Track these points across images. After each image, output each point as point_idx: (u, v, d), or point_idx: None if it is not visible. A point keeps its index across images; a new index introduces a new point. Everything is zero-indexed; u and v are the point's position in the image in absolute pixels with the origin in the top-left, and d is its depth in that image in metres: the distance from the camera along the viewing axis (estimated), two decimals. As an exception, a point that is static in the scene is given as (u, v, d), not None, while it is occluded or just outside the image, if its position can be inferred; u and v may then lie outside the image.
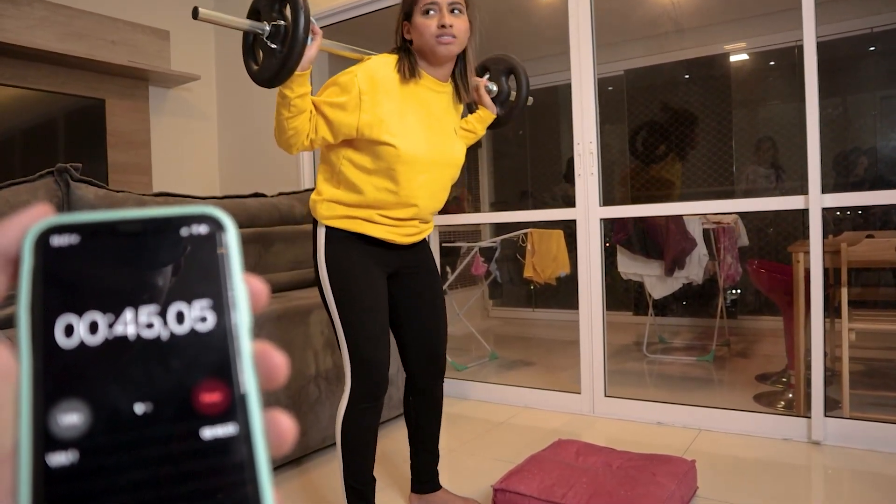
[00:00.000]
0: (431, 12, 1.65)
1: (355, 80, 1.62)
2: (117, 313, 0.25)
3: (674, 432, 2.73)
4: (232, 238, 0.27)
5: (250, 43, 1.60)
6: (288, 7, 1.50)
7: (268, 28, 1.51)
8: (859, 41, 4.53)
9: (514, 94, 2.17)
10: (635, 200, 5.24)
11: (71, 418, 0.23)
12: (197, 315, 0.26)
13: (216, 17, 1.46)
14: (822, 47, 2.49)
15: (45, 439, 0.23)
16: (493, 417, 3.04)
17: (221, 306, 0.26)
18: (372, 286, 1.73)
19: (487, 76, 2.14)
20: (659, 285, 3.95)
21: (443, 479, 2.06)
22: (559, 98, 5.57)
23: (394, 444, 2.62)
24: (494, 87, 2.11)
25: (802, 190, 2.53)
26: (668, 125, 5.15)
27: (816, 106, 2.49)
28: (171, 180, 4.25)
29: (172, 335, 0.25)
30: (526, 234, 3.83)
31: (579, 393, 3.05)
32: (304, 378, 2.44)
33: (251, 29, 1.53)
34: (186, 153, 4.39)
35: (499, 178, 6.30)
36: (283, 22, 1.51)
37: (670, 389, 3.48)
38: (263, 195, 3.06)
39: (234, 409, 0.25)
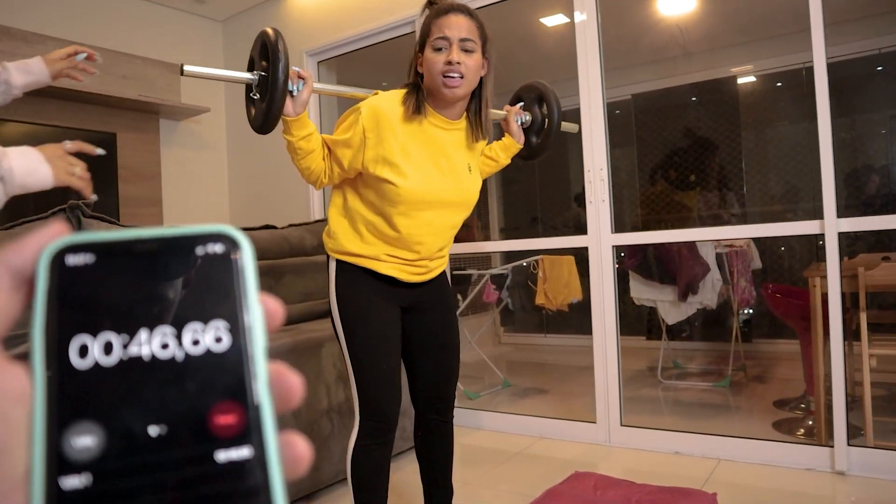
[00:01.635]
0: (442, 49, 1.61)
1: (359, 117, 1.61)
2: (132, 334, 0.25)
3: (692, 462, 2.67)
4: (247, 257, 0.27)
5: (248, 92, 1.62)
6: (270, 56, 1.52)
7: (255, 77, 1.53)
8: (867, 62, 4.52)
9: (547, 122, 2.08)
10: (646, 225, 5.21)
11: (85, 441, 0.23)
12: (212, 335, 0.25)
13: (202, 71, 1.48)
14: (830, 68, 2.48)
15: (59, 462, 0.23)
16: (507, 448, 3.00)
17: (237, 327, 0.26)
18: (383, 321, 1.70)
19: (521, 105, 2.07)
20: (673, 311, 3.91)
21: (458, 516, 2.02)
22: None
23: (407, 476, 2.58)
24: (528, 118, 2.04)
25: (816, 213, 2.50)
26: (698, 154, 5.12)
27: (829, 129, 2.47)
28: (182, 212, 4.27)
29: (187, 356, 0.25)
30: (537, 261, 3.81)
31: (595, 422, 3.00)
32: (316, 412, 2.41)
33: (239, 80, 1.55)
34: (197, 185, 4.41)
35: (508, 204, 6.30)
36: (265, 73, 1.52)
37: (687, 417, 3.42)
38: (274, 227, 3.06)
39: (249, 431, 0.25)
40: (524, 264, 4.02)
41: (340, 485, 2.52)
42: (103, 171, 3.93)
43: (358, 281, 1.70)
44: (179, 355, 0.25)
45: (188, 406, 0.24)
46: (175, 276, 0.26)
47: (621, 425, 2.94)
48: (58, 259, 0.25)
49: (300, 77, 1.57)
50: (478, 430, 3.30)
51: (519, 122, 2.02)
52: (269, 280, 2.80)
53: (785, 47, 4.56)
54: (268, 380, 0.26)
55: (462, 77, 1.60)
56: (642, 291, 3.96)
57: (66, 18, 3.72)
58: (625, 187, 5.48)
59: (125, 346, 0.24)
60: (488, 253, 5.19)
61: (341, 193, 1.73)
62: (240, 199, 4.51)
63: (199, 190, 4.42)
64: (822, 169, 2.48)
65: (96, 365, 0.24)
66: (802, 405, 3.22)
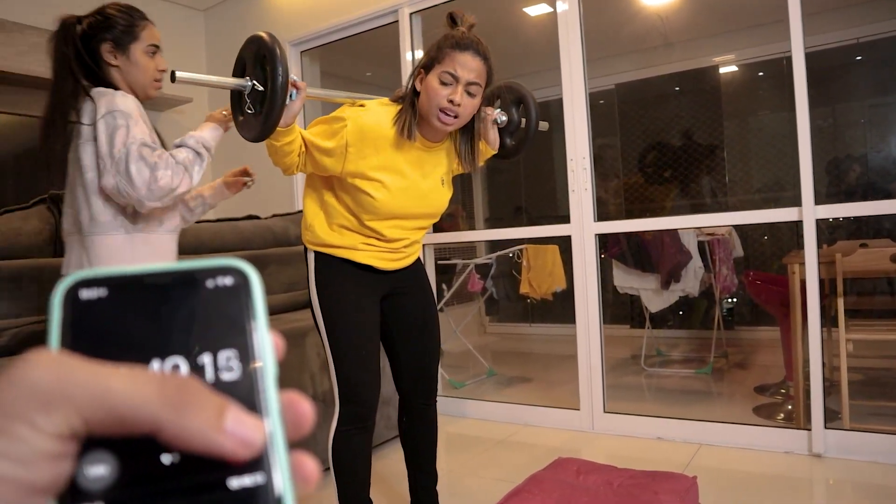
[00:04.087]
0: (447, 84, 1.59)
1: (344, 130, 1.60)
2: (145, 364, 0.25)
3: (674, 447, 2.71)
4: (256, 289, 0.27)
5: (236, 97, 1.56)
6: (268, 66, 1.46)
7: (248, 85, 1.48)
8: (846, 51, 4.57)
9: (524, 123, 2.04)
10: (629, 214, 5.25)
11: (97, 470, 0.23)
12: (223, 365, 0.26)
13: (195, 77, 1.44)
14: (810, 58, 2.51)
15: (72, 491, 0.23)
16: (492, 436, 3.02)
17: (247, 356, 0.26)
18: (361, 308, 1.73)
19: (498, 104, 2.03)
20: (655, 299, 3.95)
21: (442, 501, 2.03)
22: (551, 113, 5.59)
23: (392, 465, 2.59)
24: (504, 118, 2.01)
25: (796, 201, 2.53)
26: (681, 152, 5.16)
27: (807, 118, 2.50)
28: (165, 203, 4.24)
29: None
30: (521, 250, 3.82)
31: (578, 409, 3.03)
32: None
33: (233, 87, 1.51)
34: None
35: (493, 194, 6.31)
36: (261, 87, 1.47)
37: (669, 403, 3.46)
38: (257, 217, 3.05)
39: (261, 458, 0.25)
40: (509, 254, 4.04)
41: (326, 473, 2.53)
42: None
43: (336, 271, 1.72)
44: None
45: None
46: (186, 309, 0.26)
47: (604, 412, 2.97)
48: (71, 293, 0.25)
49: (295, 86, 1.52)
50: (462, 418, 3.32)
51: (496, 123, 1.97)
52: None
53: (766, 37, 4.59)
54: (279, 407, 0.26)
55: (457, 118, 1.61)
56: (625, 280, 4.00)
57: (44, 6, 3.67)
58: (609, 178, 5.50)
59: None
60: (473, 242, 5.20)
61: (317, 189, 1.75)
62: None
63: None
64: (801, 157, 2.51)
65: None
66: (782, 390, 3.27)
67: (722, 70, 5.21)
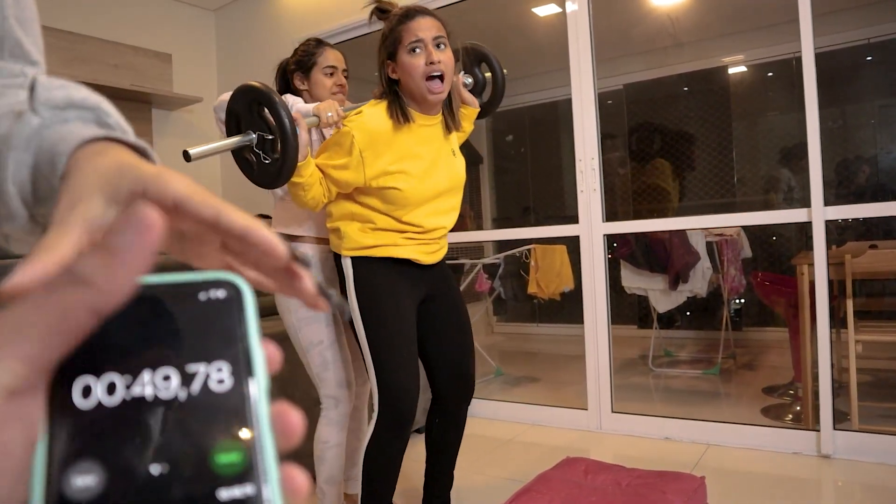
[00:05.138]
0: (417, 50, 1.64)
1: (353, 140, 1.64)
2: (135, 375, 0.25)
3: (682, 447, 2.71)
4: (249, 301, 0.28)
5: (242, 156, 1.61)
6: (267, 111, 1.50)
7: (254, 137, 1.53)
8: (857, 51, 4.55)
9: (490, 80, 2.11)
10: (637, 214, 5.25)
11: (86, 480, 0.23)
12: (215, 377, 0.26)
13: (207, 149, 1.47)
14: (820, 58, 2.51)
15: (59, 502, 0.23)
16: (500, 435, 3.03)
17: (239, 368, 0.26)
18: (401, 315, 1.73)
19: (460, 67, 2.06)
20: (663, 299, 3.94)
21: (451, 499, 2.04)
22: (559, 113, 5.60)
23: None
24: (470, 80, 2.06)
25: (805, 202, 2.53)
26: (663, 129, 5.17)
27: (817, 119, 2.50)
28: (175, 202, 4.27)
29: (190, 396, 0.25)
30: (529, 250, 3.83)
31: (586, 409, 3.03)
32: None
33: (241, 145, 1.55)
34: (190, 174, 4.37)
35: (501, 194, 6.31)
36: (269, 135, 1.52)
37: (677, 404, 3.46)
38: (268, 217, 3.07)
39: (251, 469, 0.25)
40: (517, 254, 4.04)
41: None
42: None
43: (375, 276, 1.72)
44: (182, 395, 0.25)
45: (190, 445, 0.25)
46: (178, 320, 0.26)
47: (612, 412, 2.97)
48: None
49: (296, 121, 1.57)
50: (471, 417, 3.29)
51: (465, 85, 2.03)
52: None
53: (775, 37, 4.58)
54: (270, 418, 0.26)
55: (443, 78, 1.66)
56: (633, 280, 4.00)
57: (56, 6, 3.70)
58: (617, 177, 5.50)
59: (128, 387, 0.25)
60: (480, 242, 5.21)
61: (339, 204, 1.76)
62: (233, 188, 4.51)
63: (192, 179, 4.41)
64: (810, 158, 2.51)
65: (99, 405, 0.24)
66: (791, 391, 3.27)
67: (731, 70, 5.19)
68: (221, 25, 4.61)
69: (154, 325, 0.26)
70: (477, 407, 3.37)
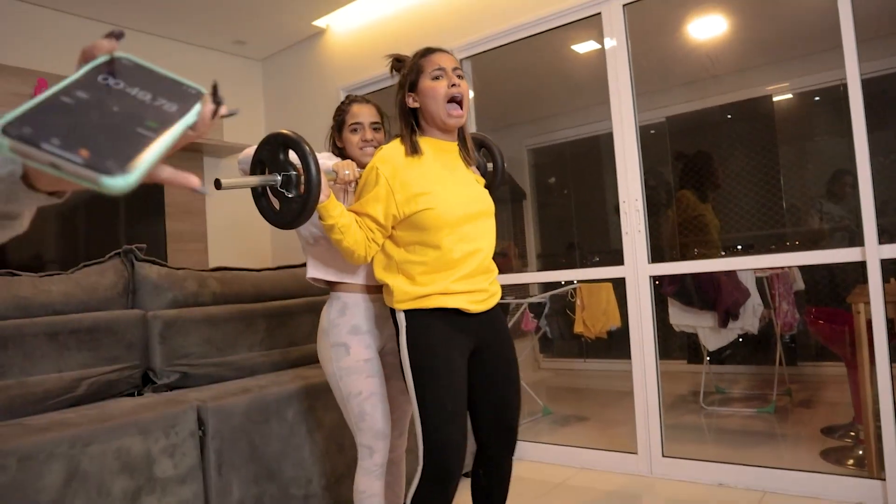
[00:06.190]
0: (440, 77, 1.75)
1: (379, 172, 1.71)
2: (129, 85, 0.57)
3: (737, 494, 2.64)
4: (203, 100, 0.61)
5: (259, 192, 1.68)
6: (292, 152, 1.60)
7: (279, 178, 1.61)
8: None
9: (490, 165, 2.15)
10: (683, 248, 5.16)
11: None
12: (167, 105, 0.56)
13: (236, 182, 1.55)
14: (868, 84, 2.46)
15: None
16: (549, 479, 3.00)
17: (183, 110, 0.57)
18: (452, 369, 1.73)
19: None
20: (713, 337, 3.87)
21: (501, 553, 2.02)
22: (601, 147, 5.59)
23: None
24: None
25: (858, 240, 2.47)
26: (708, 157, 5.07)
27: (867, 151, 2.45)
28: (226, 247, 4.40)
29: (150, 100, 0.56)
30: (575, 289, 3.81)
31: (636, 453, 2.98)
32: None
33: (267, 182, 1.62)
34: (240, 221, 4.54)
35: (545, 229, 6.30)
36: (293, 172, 1.60)
37: (730, 445, 3.37)
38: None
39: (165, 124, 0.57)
40: (562, 294, 4.03)
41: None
42: (152, 207, 4.09)
43: (428, 328, 1.73)
44: (145, 98, 0.55)
45: (136, 105, 0.55)
46: (165, 83, 0.60)
47: (663, 456, 2.92)
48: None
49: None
50: (518, 460, 3.30)
51: None
52: (313, 316, 2.86)
53: (819, 65, 4.51)
54: (179, 133, 0.56)
55: (462, 105, 1.76)
56: (682, 318, 3.93)
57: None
58: (662, 207, 5.44)
59: (112, 83, 0.56)
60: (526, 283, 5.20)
61: (380, 258, 1.80)
62: (282, 234, 4.62)
63: (242, 225, 4.55)
64: (861, 193, 2.45)
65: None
66: (851, 433, 3.15)
67: (776, 98, 5.12)
68: (269, 75, 4.78)
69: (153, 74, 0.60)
70: (526, 449, 3.35)
